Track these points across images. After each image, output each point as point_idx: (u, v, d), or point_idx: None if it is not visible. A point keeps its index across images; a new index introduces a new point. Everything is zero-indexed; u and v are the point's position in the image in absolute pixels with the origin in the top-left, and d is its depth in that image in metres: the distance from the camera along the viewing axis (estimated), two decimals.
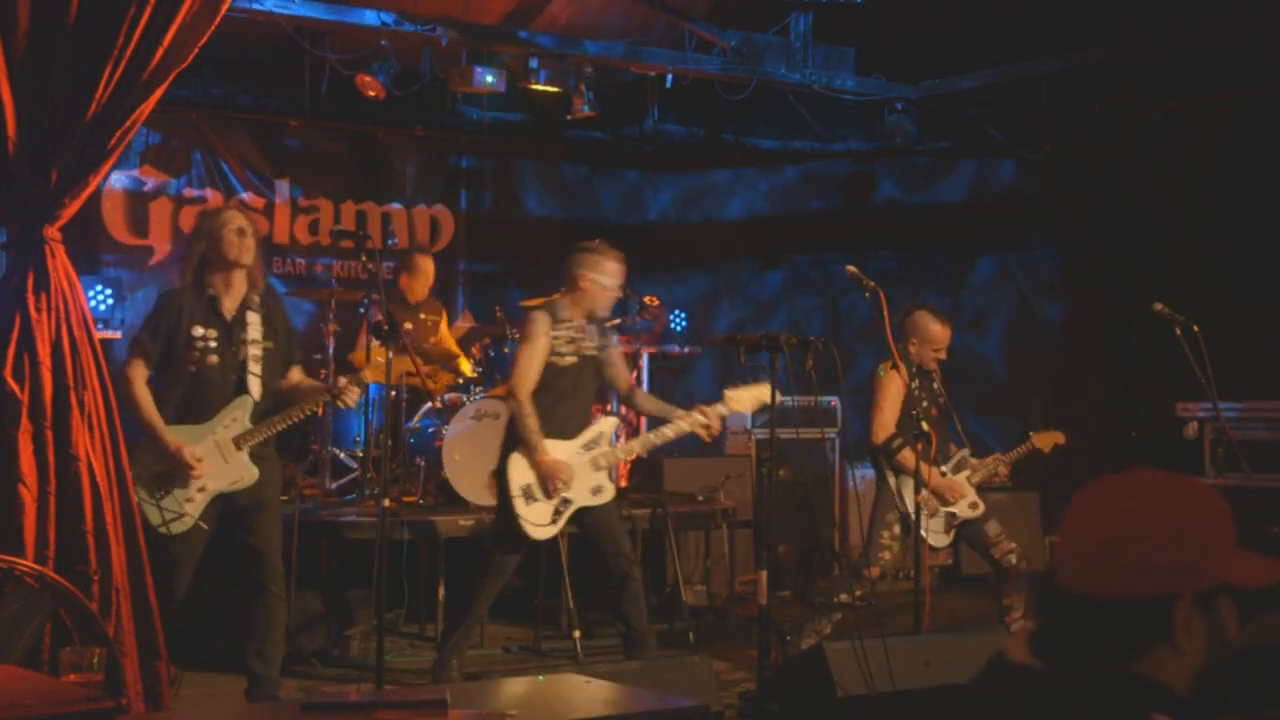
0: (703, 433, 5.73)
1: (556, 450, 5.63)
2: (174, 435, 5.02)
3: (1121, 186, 9.72)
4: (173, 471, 5.02)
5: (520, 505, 5.58)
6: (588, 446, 5.73)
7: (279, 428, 5.21)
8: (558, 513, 5.65)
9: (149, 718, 4.13)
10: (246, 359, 5.16)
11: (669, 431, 5.78)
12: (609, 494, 5.78)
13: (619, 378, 5.96)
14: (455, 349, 8.08)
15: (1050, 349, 9.98)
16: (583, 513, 5.72)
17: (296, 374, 5.39)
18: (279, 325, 5.31)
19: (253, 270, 5.22)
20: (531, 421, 5.56)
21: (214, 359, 5.10)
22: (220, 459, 5.09)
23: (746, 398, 5.71)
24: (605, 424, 5.88)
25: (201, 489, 5.06)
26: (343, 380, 5.27)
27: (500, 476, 5.66)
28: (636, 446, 6.01)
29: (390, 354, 5.12)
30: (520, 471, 5.60)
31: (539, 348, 5.61)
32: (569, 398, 5.70)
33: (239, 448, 5.10)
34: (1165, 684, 1.66)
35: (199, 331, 5.10)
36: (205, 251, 5.15)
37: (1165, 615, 1.65)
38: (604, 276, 5.73)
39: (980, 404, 9.95)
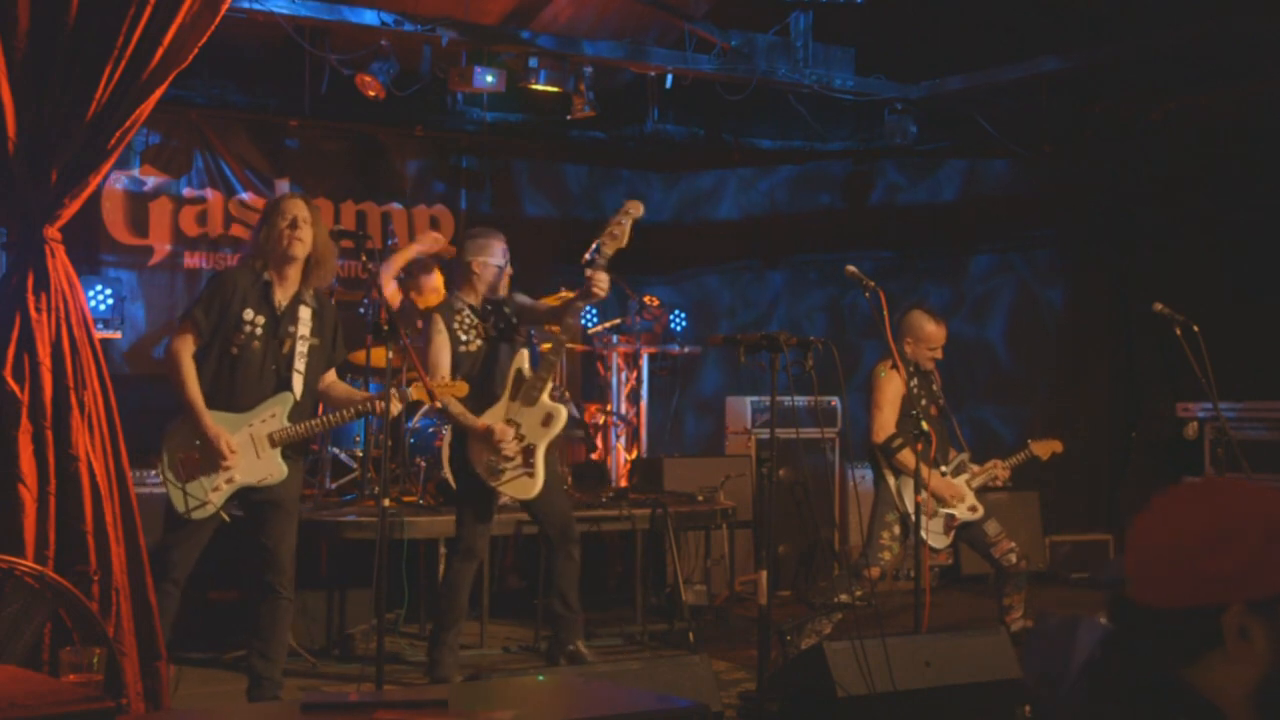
0: (597, 291, 5.55)
1: (495, 414, 5.75)
2: (214, 421, 4.97)
3: (1121, 186, 9.71)
4: (202, 457, 4.97)
5: (495, 481, 5.71)
6: (514, 392, 5.82)
7: (316, 429, 5.17)
8: (529, 462, 5.75)
9: (149, 718, 4.13)
10: (292, 353, 5.10)
11: (570, 319, 5.88)
12: (561, 418, 5.82)
13: (544, 312, 6.02)
14: None
15: (1050, 349, 9.98)
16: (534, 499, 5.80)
17: (330, 376, 5.32)
18: (328, 323, 5.26)
19: (310, 259, 5.12)
20: (454, 406, 5.68)
21: (257, 345, 5.04)
22: (253, 453, 5.04)
23: (618, 233, 5.52)
24: (518, 360, 5.90)
25: (229, 480, 5.00)
26: None
27: (465, 468, 5.76)
28: (553, 357, 5.99)
29: (389, 354, 5.09)
30: (478, 455, 5.72)
31: (440, 345, 5.77)
32: (490, 373, 5.84)
33: (273, 444, 5.05)
34: (1205, 695, 1.63)
35: (249, 315, 5.04)
36: (265, 240, 5.11)
37: (1215, 622, 1.62)
38: (492, 257, 5.91)
39: (984, 393, 9.96)
